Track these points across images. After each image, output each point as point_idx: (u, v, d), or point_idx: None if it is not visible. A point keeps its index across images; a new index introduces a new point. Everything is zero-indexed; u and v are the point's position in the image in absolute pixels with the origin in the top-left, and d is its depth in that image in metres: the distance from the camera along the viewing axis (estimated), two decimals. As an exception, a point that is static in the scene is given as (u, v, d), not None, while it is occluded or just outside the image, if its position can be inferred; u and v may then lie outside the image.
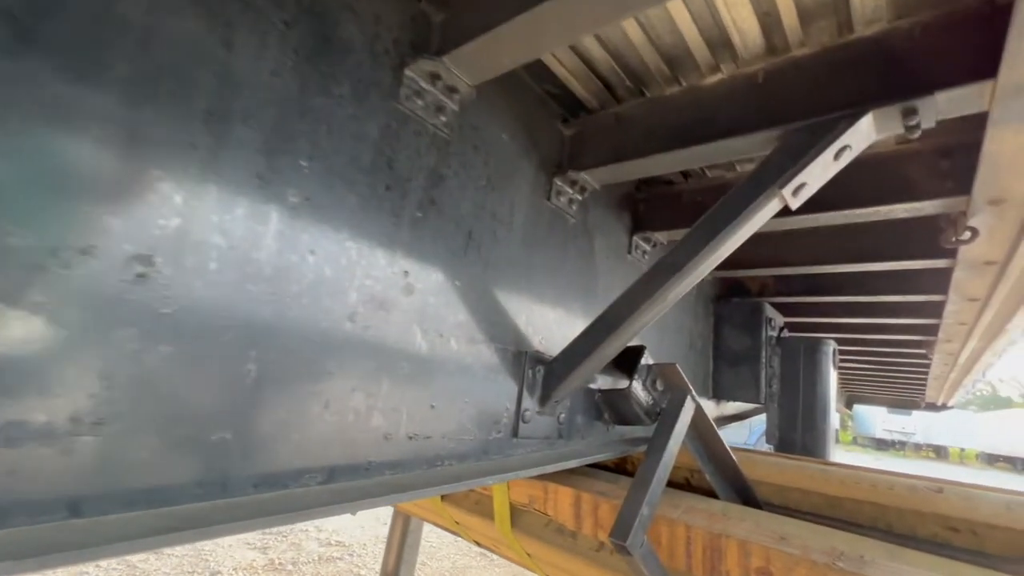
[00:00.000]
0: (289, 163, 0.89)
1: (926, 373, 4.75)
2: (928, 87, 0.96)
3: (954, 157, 1.39)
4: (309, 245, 0.91)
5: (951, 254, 1.78)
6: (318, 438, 0.90)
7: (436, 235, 1.16)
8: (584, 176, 1.55)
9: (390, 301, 1.04)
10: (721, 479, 1.90)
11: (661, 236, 2.03)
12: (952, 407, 7.24)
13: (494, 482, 1.21)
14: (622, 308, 1.30)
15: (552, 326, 1.54)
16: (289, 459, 0.86)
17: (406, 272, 1.08)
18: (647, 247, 2.04)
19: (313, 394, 0.90)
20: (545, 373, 1.44)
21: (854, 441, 34.63)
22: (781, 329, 2.84)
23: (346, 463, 0.94)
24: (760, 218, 1.16)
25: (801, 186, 1.11)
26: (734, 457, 1.86)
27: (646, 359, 1.74)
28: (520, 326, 1.40)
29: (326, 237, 0.93)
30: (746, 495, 1.93)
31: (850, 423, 34.54)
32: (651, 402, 1.71)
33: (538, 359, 1.44)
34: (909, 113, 1.00)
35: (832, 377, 2.51)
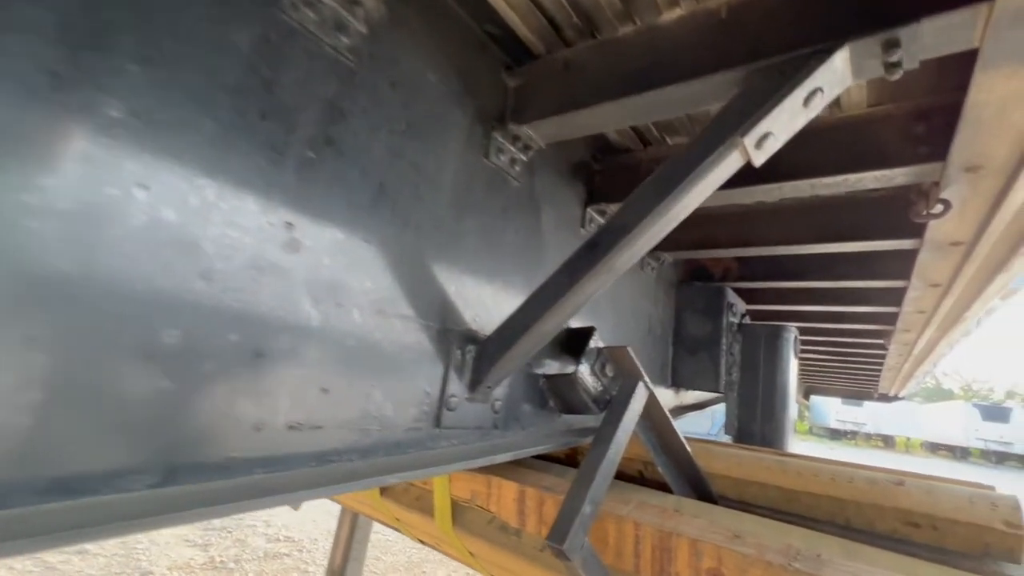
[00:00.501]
0: (106, 63, 0.66)
1: (881, 364, 4.81)
2: (913, 13, 0.81)
3: (930, 120, 1.27)
4: (138, 177, 0.69)
5: (918, 233, 1.68)
6: (149, 428, 0.69)
7: (335, 182, 0.95)
8: (528, 131, 1.36)
9: (265, 258, 0.83)
10: (675, 472, 1.77)
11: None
12: (903, 398, 7.47)
13: (401, 480, 1.03)
14: (562, 278, 1.12)
15: (488, 302, 1.35)
16: (102, 456, 0.65)
17: (289, 224, 0.87)
18: (603, 220, 1.87)
19: (141, 371, 0.68)
20: (477, 354, 1.25)
21: (810, 431, 36.09)
22: (743, 316, 2.74)
23: (193, 460, 0.73)
24: (719, 174, 1.00)
25: (765, 136, 0.96)
26: (689, 449, 1.73)
27: (596, 342, 1.58)
28: (447, 299, 1.21)
29: (166, 169, 0.72)
30: (702, 489, 1.81)
31: (807, 414, 35.95)
32: (600, 389, 1.55)
33: (469, 338, 1.25)
34: (890, 47, 0.85)
35: (793, 365, 2.43)
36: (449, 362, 1.20)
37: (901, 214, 1.75)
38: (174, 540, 4.93)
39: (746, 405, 2.41)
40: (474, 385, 1.24)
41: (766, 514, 1.73)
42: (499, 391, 1.36)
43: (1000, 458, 27.37)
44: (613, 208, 1.82)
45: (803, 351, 5.03)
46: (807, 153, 1.43)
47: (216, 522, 5.58)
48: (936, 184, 1.32)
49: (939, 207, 1.35)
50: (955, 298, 2.17)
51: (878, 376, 5.84)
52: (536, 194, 1.55)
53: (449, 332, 1.21)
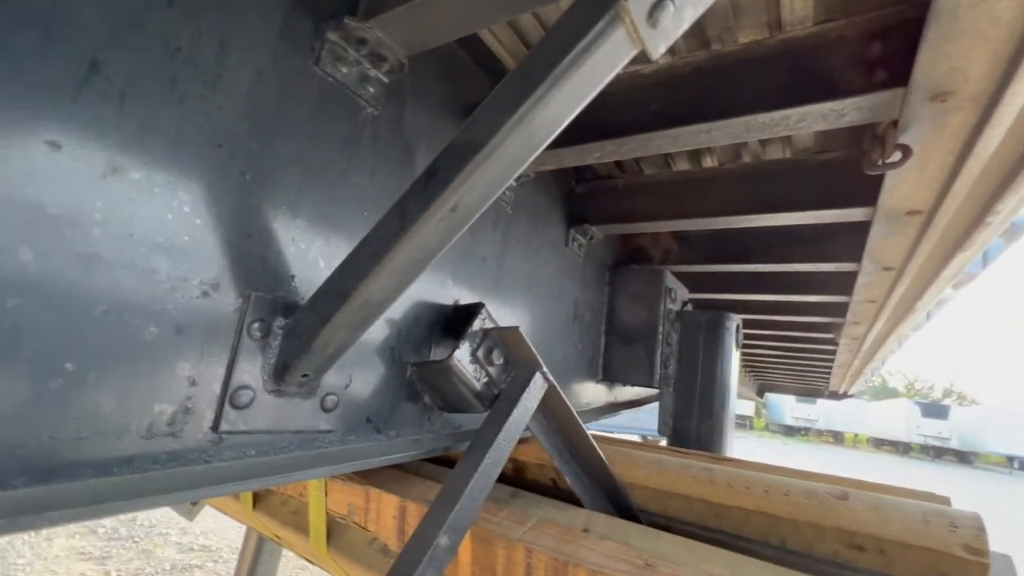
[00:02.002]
0: None
1: (832, 361, 4.71)
2: None
3: (888, 39, 0.99)
4: None
5: (870, 200, 1.43)
6: None
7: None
8: (377, 33, 1.02)
9: None
10: (586, 482, 1.47)
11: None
12: (852, 396, 7.52)
13: (110, 514, 0.67)
14: (392, 223, 0.78)
15: (321, 262, 1.00)
16: None
17: None
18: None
19: None
20: (289, 330, 0.90)
21: (766, 428, 37.24)
22: (685, 304, 2.48)
23: None
24: (598, 65, 0.68)
25: (660, 4, 0.64)
26: (603, 455, 1.43)
27: (484, 321, 1.26)
28: (237, 251, 0.85)
29: None
30: (619, 502, 1.52)
31: (763, 410, 37.05)
32: (486, 380, 1.23)
33: (277, 306, 0.90)
34: None
35: (734, 357, 2.19)
36: (239, 340, 0.84)
37: (851, 181, 1.50)
38: (64, 553, 4.36)
39: (682, 401, 2.15)
40: (282, 373, 0.89)
41: (691, 532, 1.44)
42: (334, 382, 1.02)
43: (938, 452, 28.86)
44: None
45: (756, 346, 4.89)
46: (741, 86, 1.14)
47: (123, 530, 5.01)
48: (894, 125, 1.05)
49: (897, 154, 1.08)
50: (907, 284, 1.96)
51: (829, 373, 5.79)
52: (407, 131, 1.20)
53: (243, 299, 0.85)
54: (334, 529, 1.71)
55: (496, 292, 1.56)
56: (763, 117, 1.10)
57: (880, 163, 1.09)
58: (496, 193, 0.76)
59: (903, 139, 1.07)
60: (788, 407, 34.12)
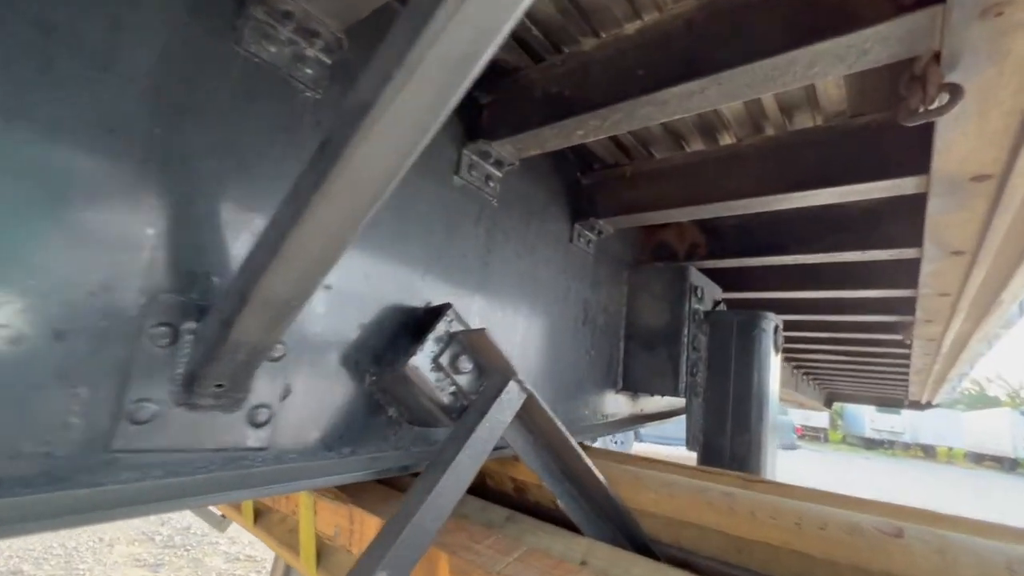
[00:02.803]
0: None
1: (907, 366, 4.17)
2: None
3: (919, -55, 0.77)
4: None
5: (921, 166, 1.17)
6: None
7: None
8: (303, 5, 0.92)
9: None
10: (585, 507, 1.28)
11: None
12: (938, 405, 6.69)
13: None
14: (287, 207, 0.67)
15: (244, 248, 0.90)
16: None
17: None
18: (482, 157, 1.41)
19: None
20: (198, 335, 0.81)
21: (844, 440, 34.46)
22: (717, 304, 2.22)
23: None
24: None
25: None
26: (599, 475, 1.24)
27: (448, 324, 1.12)
28: (135, 247, 0.77)
29: None
30: (628, 530, 1.32)
31: (840, 422, 34.29)
32: (453, 390, 1.09)
33: (188, 309, 0.81)
34: None
35: (774, 362, 1.91)
36: (137, 347, 0.75)
37: (895, 145, 1.25)
38: (123, 560, 4.60)
39: (714, 413, 1.90)
40: (191, 383, 0.79)
41: (710, 568, 1.22)
42: (266, 393, 0.91)
43: (1052, 470, 25.42)
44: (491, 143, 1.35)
45: (814, 350, 4.43)
46: (736, 33, 0.95)
47: (178, 539, 5.24)
48: (936, 59, 0.83)
49: (943, 96, 0.85)
50: (986, 271, 1.63)
51: (906, 380, 5.16)
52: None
53: (150, 301, 0.77)
54: (323, 551, 1.61)
55: (482, 293, 1.41)
56: (764, 65, 0.90)
57: (922, 110, 0.86)
58: (405, 162, 0.62)
59: (951, 76, 0.83)
60: (868, 418, 31.35)
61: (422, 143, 0.60)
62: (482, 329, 1.08)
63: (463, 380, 1.10)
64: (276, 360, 0.92)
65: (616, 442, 14.43)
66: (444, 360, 1.08)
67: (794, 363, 5.44)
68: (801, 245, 1.89)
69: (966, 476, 22.13)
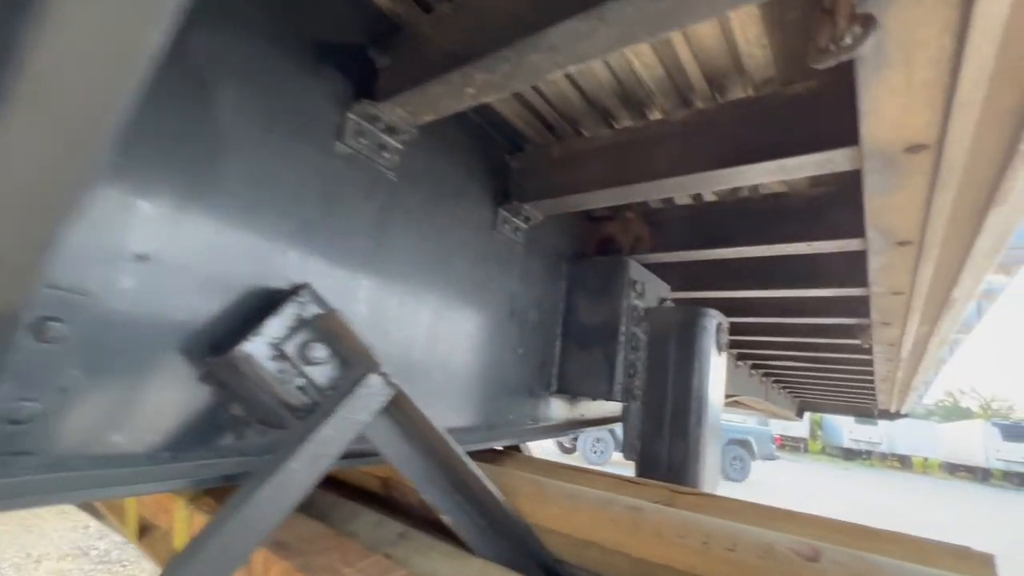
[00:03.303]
0: None
1: (872, 373, 4.09)
2: None
3: None
4: None
5: (850, 135, 1.04)
6: None
7: None
8: None
9: None
10: (478, 523, 1.11)
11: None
12: (907, 415, 6.66)
13: None
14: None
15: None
16: None
17: None
18: (373, 124, 1.25)
19: None
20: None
21: (823, 451, 34.77)
22: (663, 302, 2.08)
23: None
24: None
25: None
26: (492, 487, 1.07)
27: (300, 307, 0.95)
28: None
29: None
30: (527, 548, 1.15)
31: (819, 432, 34.59)
32: (302, 385, 0.91)
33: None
34: None
35: (716, 363, 1.77)
36: None
37: (826, 114, 1.12)
38: (49, 577, 4.25)
39: (651, 418, 1.75)
40: None
41: (614, 595, 1.06)
42: (36, 385, 0.73)
43: (1023, 480, 25.87)
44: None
45: (779, 356, 4.33)
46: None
47: (115, 553, 4.90)
48: (845, -17, 0.69)
49: (855, 30, 0.71)
50: (934, 263, 1.51)
51: (873, 388, 5.09)
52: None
53: None
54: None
55: (373, 277, 1.24)
56: (649, -6, 0.76)
57: (832, 47, 0.72)
58: (116, 74, 0.46)
59: (863, 7, 0.70)
60: (846, 429, 31.58)
61: (138, 52, 0.44)
62: (332, 311, 0.91)
63: (316, 372, 0.93)
64: (48, 343, 0.74)
65: (596, 451, 14.24)
66: (290, 348, 0.90)
67: (763, 371, 5.35)
68: (747, 238, 1.76)
69: (940, 486, 22.38)
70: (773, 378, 5.84)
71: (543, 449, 16.07)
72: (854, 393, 5.81)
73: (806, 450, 34.33)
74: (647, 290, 1.92)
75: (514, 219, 1.69)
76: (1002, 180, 1.02)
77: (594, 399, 2.00)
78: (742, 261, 2.29)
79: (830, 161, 1.14)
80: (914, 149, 1.00)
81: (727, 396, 4.24)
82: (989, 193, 1.10)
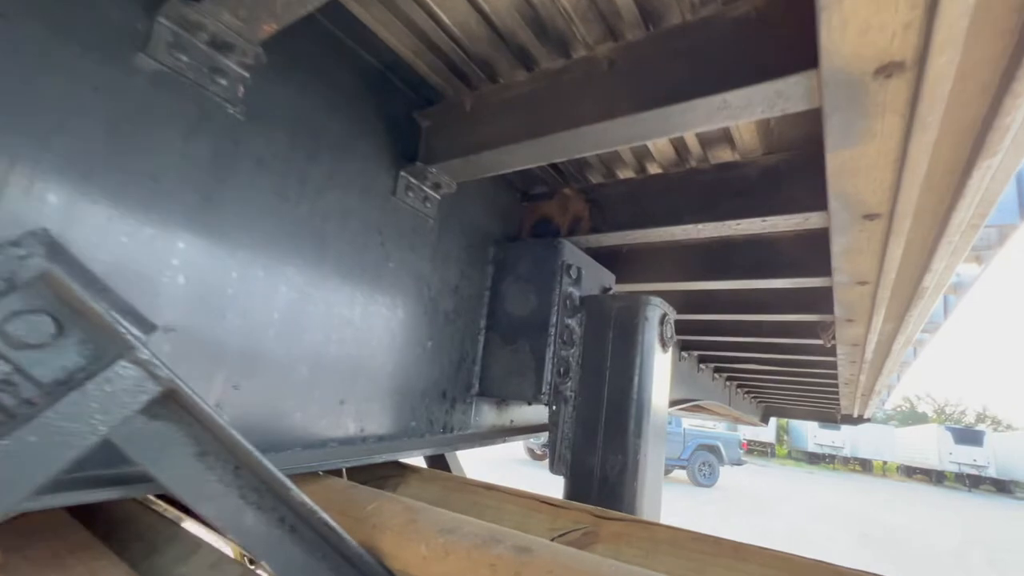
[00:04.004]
0: None
1: (835, 376, 3.95)
2: None
3: None
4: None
5: (808, 59, 0.80)
6: None
7: None
8: None
9: None
10: (312, 568, 0.81)
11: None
12: (870, 420, 6.64)
13: None
14: None
15: None
16: None
17: None
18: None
19: None
20: None
21: (789, 455, 35.52)
22: (607, 290, 1.83)
23: None
24: None
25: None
26: (330, 521, 0.78)
27: (21, 260, 0.64)
28: None
29: None
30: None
31: (786, 437, 35.32)
32: (6, 377, 0.60)
33: None
34: None
35: (660, 360, 1.52)
36: None
37: (774, 39, 0.87)
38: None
39: (584, 425, 1.48)
40: None
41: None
42: None
43: (974, 482, 26.89)
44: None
45: (743, 359, 4.16)
46: None
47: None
48: None
49: None
50: (904, 240, 1.29)
51: (836, 393, 4.99)
52: None
53: None
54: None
55: (198, 238, 0.94)
56: None
57: None
58: None
59: None
60: (811, 433, 32.30)
61: None
62: (47, 268, 0.60)
63: (33, 359, 0.62)
64: None
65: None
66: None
67: (727, 375, 5.20)
68: (695, 214, 1.52)
69: (898, 488, 22.99)
70: (737, 382, 5.70)
71: (512, 455, 15.72)
72: (818, 397, 5.71)
73: (773, 455, 34.96)
74: (585, 277, 1.66)
75: (421, 186, 1.41)
76: (996, 116, 0.80)
77: (519, 401, 1.73)
78: (695, 248, 2.06)
79: (781, 95, 0.89)
80: (887, 70, 0.76)
81: (687, 400, 4.03)
82: (978, 137, 0.88)
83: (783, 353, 3.53)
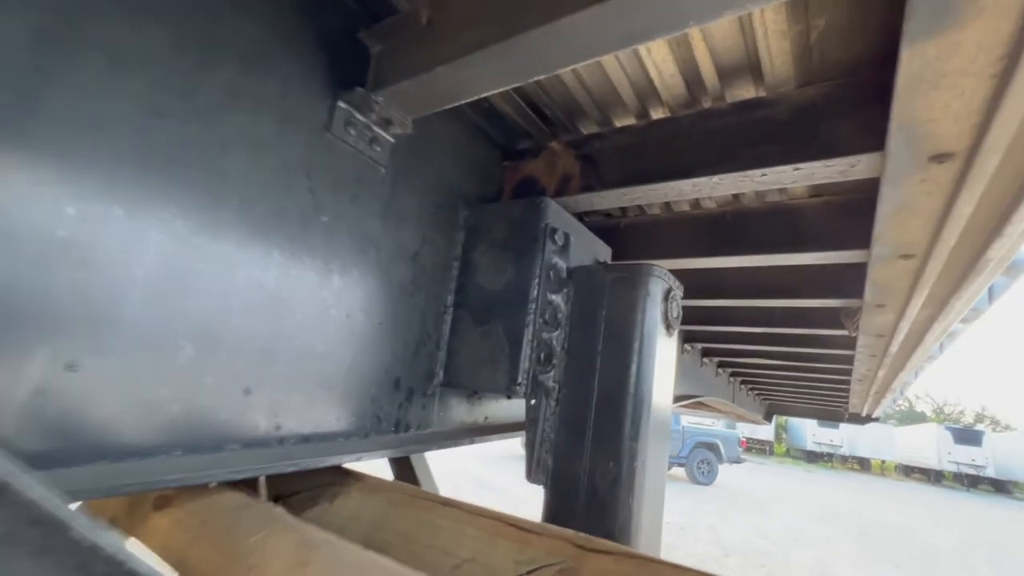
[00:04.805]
0: None
1: (849, 371, 3.67)
2: None
3: None
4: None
5: None
6: None
7: None
8: None
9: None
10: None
11: None
12: (877, 419, 6.37)
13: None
14: None
15: None
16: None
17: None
18: None
19: None
20: None
21: (787, 453, 35.39)
22: (601, 262, 1.54)
23: None
24: None
25: None
26: (136, 563, 0.50)
27: None
28: None
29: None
30: None
31: (784, 435, 35.17)
32: None
33: None
34: None
35: (664, 345, 1.23)
36: None
37: None
38: None
39: (569, 424, 1.20)
40: None
41: None
42: None
43: (973, 481, 26.75)
44: None
45: (750, 352, 3.88)
46: None
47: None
48: None
49: None
50: (981, 189, 1.00)
51: (847, 391, 4.72)
52: None
53: None
54: None
55: (14, 149, 0.65)
56: None
57: None
58: None
59: None
60: (809, 431, 32.12)
61: None
62: None
63: None
64: None
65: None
66: None
67: (731, 369, 4.92)
68: (708, 166, 1.23)
69: (896, 488, 22.81)
70: (741, 378, 5.42)
71: (509, 451, 15.42)
72: (825, 395, 5.44)
73: (771, 452, 34.79)
74: (575, 246, 1.37)
75: (366, 121, 1.11)
76: None
77: (489, 393, 1.45)
78: (703, 221, 1.78)
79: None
80: None
81: (690, 396, 3.75)
82: None
83: (794, 345, 3.25)
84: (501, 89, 0.99)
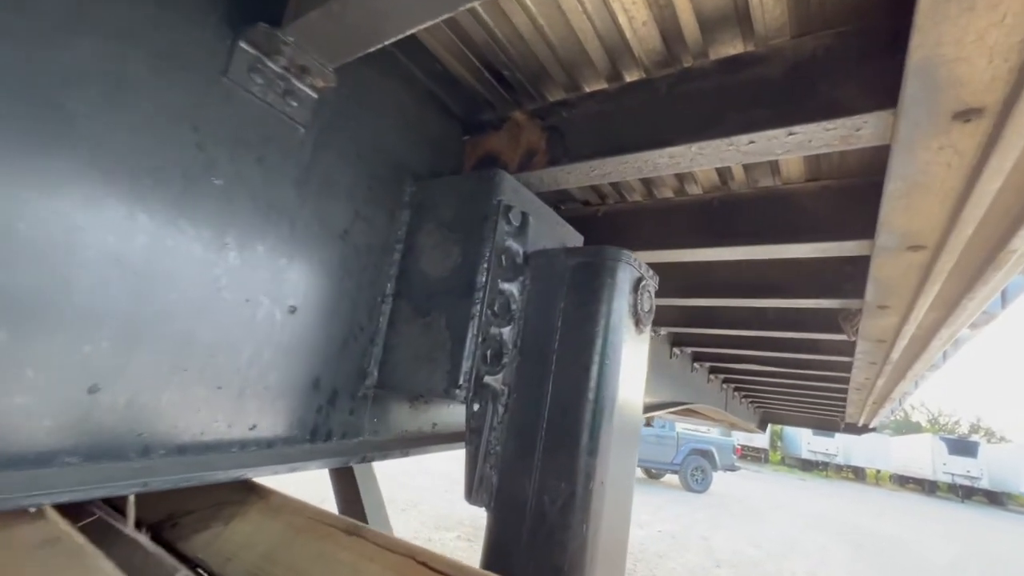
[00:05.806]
0: None
1: (847, 380, 3.49)
2: None
3: None
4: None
5: None
6: None
7: None
8: None
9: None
10: None
11: None
12: (874, 429, 6.19)
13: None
14: None
15: None
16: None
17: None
18: None
19: None
20: None
21: (782, 461, 35.25)
22: (573, 253, 1.35)
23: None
24: None
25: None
26: None
27: None
28: None
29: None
30: None
31: (779, 443, 35.02)
32: None
33: None
34: None
35: (633, 343, 1.04)
36: None
37: None
38: None
39: (519, 434, 1.01)
40: None
41: None
42: None
43: (967, 493, 26.59)
44: None
45: (743, 358, 3.70)
46: None
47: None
48: None
49: None
50: (1014, 158, 0.82)
51: (843, 400, 4.54)
52: None
53: None
54: None
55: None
56: None
57: None
58: None
59: None
60: (804, 440, 31.95)
61: None
62: None
63: None
64: None
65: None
66: None
67: (723, 376, 4.73)
68: (688, 134, 1.05)
69: (891, 498, 22.62)
70: (734, 385, 5.23)
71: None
72: (821, 403, 5.26)
73: (766, 460, 34.58)
74: (535, 228, 1.19)
75: (274, 68, 0.93)
76: None
77: (429, 396, 1.26)
78: (690, 208, 1.60)
79: None
80: None
81: (678, 403, 3.55)
82: None
83: (789, 351, 3.07)
84: (427, 23, 0.81)
